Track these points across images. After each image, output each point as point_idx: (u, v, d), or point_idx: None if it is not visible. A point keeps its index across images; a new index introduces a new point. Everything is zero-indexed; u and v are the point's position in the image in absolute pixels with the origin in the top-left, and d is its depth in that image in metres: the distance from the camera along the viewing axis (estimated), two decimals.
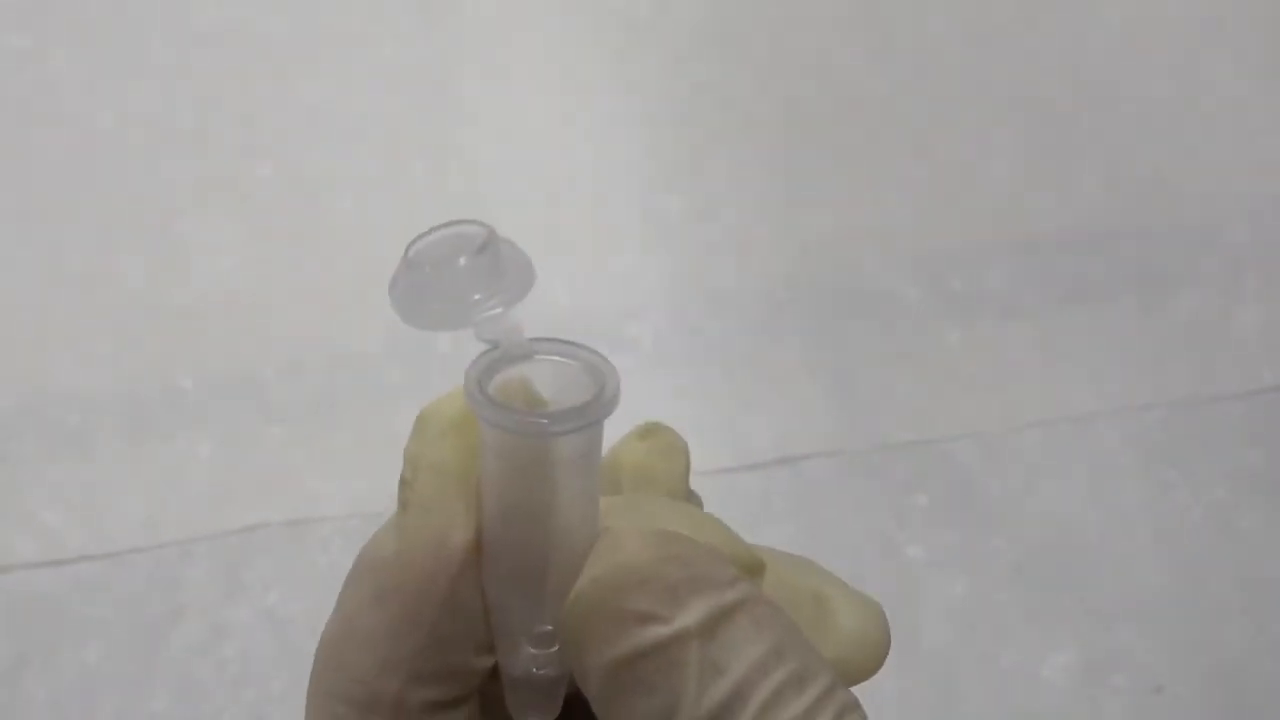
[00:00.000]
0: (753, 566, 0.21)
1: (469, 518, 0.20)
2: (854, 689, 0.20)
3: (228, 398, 0.45)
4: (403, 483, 0.21)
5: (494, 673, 0.21)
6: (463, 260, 0.19)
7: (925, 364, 0.46)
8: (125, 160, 0.51)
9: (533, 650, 0.20)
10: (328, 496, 0.43)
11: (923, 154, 0.51)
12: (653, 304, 0.47)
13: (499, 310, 0.19)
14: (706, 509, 0.23)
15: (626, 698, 0.19)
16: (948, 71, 0.53)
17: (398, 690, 0.20)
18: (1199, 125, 0.52)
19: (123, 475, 0.44)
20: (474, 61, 0.55)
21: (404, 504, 0.20)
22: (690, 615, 0.18)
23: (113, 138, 0.52)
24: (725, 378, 0.46)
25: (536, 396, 0.20)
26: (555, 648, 0.20)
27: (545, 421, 0.18)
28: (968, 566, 0.42)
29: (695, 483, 0.23)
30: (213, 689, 0.40)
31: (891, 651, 0.21)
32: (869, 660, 0.22)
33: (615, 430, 0.21)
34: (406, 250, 0.19)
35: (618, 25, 0.56)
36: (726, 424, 0.45)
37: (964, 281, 0.48)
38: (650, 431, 0.23)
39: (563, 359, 0.19)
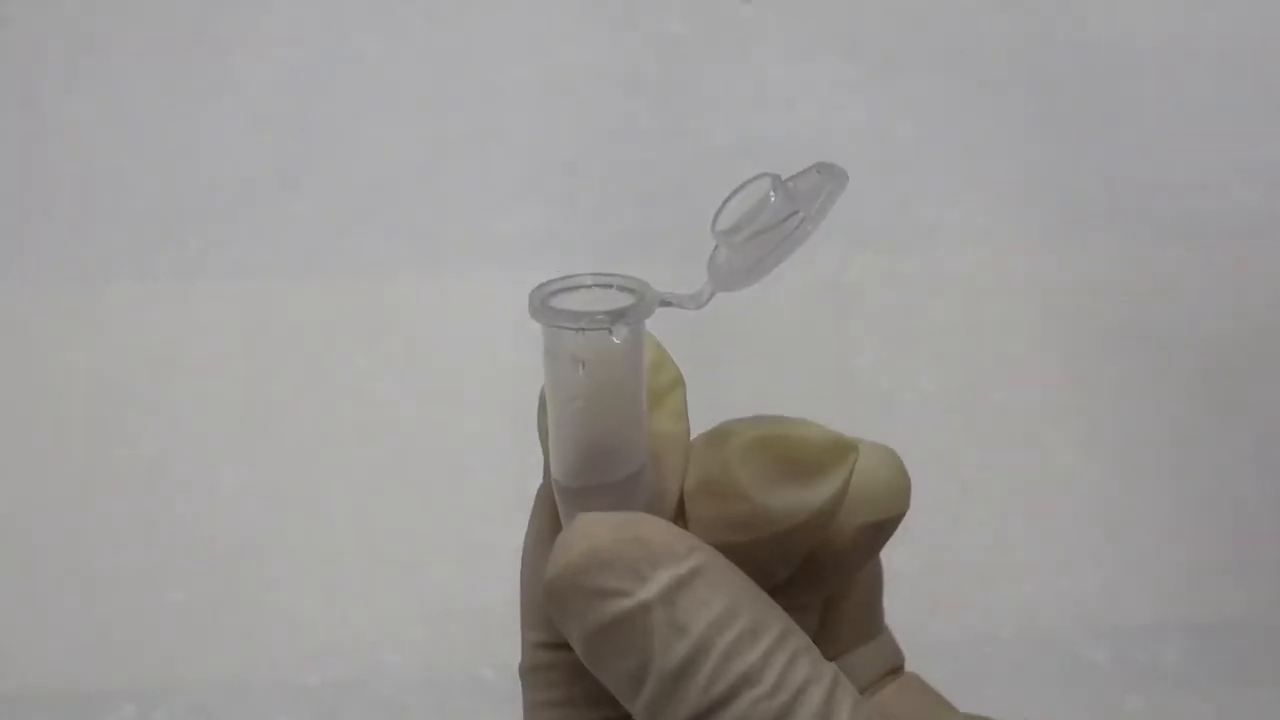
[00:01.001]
0: (844, 447, 0.24)
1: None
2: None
3: None
4: None
5: None
6: (772, 196, 0.22)
7: None
8: None
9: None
10: None
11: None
12: None
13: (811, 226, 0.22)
14: None
15: (607, 661, 0.22)
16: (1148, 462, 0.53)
17: (524, 625, 0.26)
18: None
19: None
20: None
21: None
22: (651, 588, 0.22)
23: None
24: None
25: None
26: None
27: (602, 317, 0.22)
28: None
29: None
30: None
31: None
32: (901, 502, 0.25)
33: None
34: (714, 226, 0.23)
35: None
36: None
37: (1145, 654, 0.48)
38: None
39: (603, 286, 0.23)
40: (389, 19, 0.63)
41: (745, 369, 0.53)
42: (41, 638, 0.47)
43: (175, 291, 0.55)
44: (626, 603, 0.22)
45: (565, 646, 0.25)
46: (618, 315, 0.22)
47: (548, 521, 0.26)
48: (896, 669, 0.29)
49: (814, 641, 0.23)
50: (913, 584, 0.49)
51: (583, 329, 0.22)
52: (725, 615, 0.22)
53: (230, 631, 0.47)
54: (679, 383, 0.25)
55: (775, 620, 0.22)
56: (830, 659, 0.23)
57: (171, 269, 0.55)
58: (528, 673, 0.26)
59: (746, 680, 0.21)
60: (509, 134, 0.60)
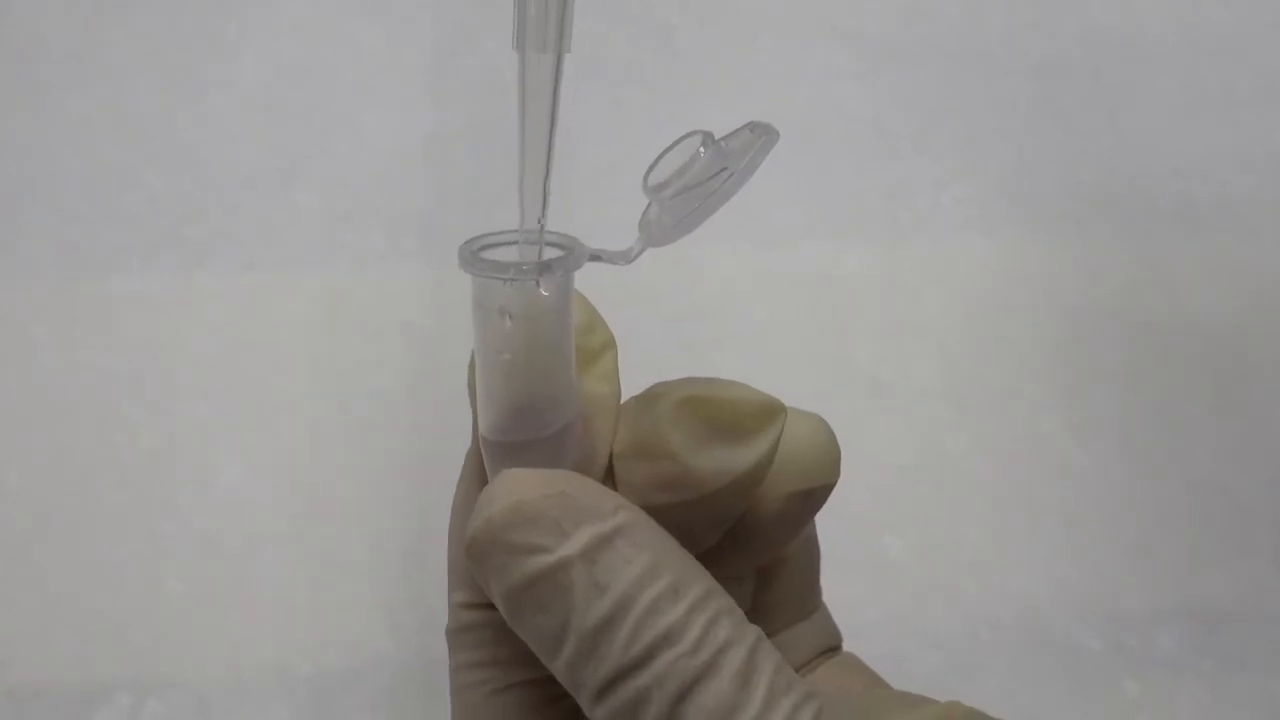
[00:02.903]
0: (773, 408, 0.24)
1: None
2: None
3: None
4: None
5: None
6: (701, 152, 0.22)
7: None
8: None
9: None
10: None
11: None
12: None
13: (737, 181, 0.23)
14: None
15: (527, 617, 0.22)
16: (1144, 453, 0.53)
17: (450, 586, 0.26)
18: None
19: None
20: None
21: None
22: (572, 544, 0.21)
23: None
24: None
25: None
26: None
27: (530, 267, 0.22)
28: None
29: None
30: None
31: None
32: (830, 471, 0.25)
33: None
34: (647, 182, 0.23)
35: None
36: None
37: (1140, 640, 0.48)
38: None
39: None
40: (390, 14, 0.63)
41: (738, 359, 0.53)
42: (38, 629, 0.47)
43: (177, 284, 0.55)
44: (547, 559, 0.21)
45: (490, 607, 0.25)
46: (545, 266, 0.22)
47: (475, 481, 0.26)
48: (833, 648, 0.29)
49: (748, 617, 0.23)
50: (907, 572, 0.49)
51: (510, 279, 0.22)
52: (646, 574, 0.21)
53: (226, 622, 0.47)
54: (610, 345, 0.25)
55: (698, 580, 0.22)
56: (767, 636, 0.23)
57: (173, 261, 0.55)
58: (453, 634, 0.26)
59: (667, 639, 0.21)
60: (507, 124, 0.60)
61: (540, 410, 0.23)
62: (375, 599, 0.47)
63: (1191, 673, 0.47)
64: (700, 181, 0.22)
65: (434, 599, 0.47)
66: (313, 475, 0.50)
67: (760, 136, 0.23)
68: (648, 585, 0.21)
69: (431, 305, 0.54)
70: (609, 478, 0.25)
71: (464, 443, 0.51)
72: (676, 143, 0.23)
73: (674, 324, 0.53)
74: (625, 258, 0.23)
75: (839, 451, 0.25)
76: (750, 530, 0.25)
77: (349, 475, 0.50)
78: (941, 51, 0.62)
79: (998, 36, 0.62)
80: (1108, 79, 0.61)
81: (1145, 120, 0.60)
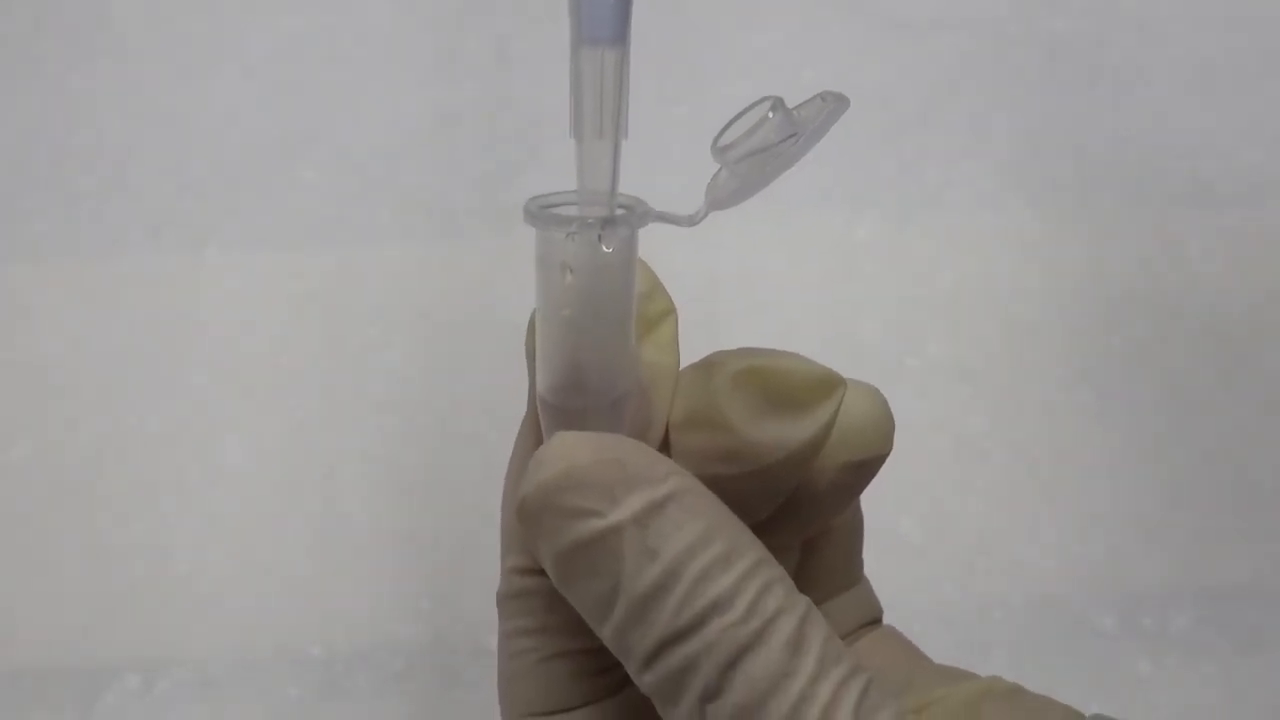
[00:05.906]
0: (832, 381, 0.24)
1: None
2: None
3: None
4: None
5: None
6: (770, 116, 0.22)
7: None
8: None
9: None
10: None
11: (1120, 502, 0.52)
12: None
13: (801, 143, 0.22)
14: None
15: (577, 581, 0.22)
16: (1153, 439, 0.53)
17: (503, 551, 0.26)
18: None
19: None
20: None
21: None
22: (624, 509, 0.21)
23: None
24: None
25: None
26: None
27: (593, 221, 0.22)
28: None
29: None
30: None
31: None
32: (885, 441, 0.25)
33: None
34: (715, 144, 0.22)
35: None
36: None
37: (1153, 620, 0.48)
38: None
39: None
40: None
41: (750, 334, 0.53)
42: (46, 609, 0.46)
43: (183, 262, 0.54)
44: (599, 523, 0.21)
45: (542, 573, 0.24)
46: (608, 221, 0.22)
47: (530, 446, 0.26)
48: (874, 620, 0.29)
49: None
50: (919, 550, 0.49)
51: (573, 233, 0.22)
52: (698, 541, 0.21)
53: (235, 602, 0.47)
54: (670, 313, 0.25)
55: (750, 548, 0.22)
56: None
57: (179, 239, 0.55)
58: (504, 599, 0.26)
59: (716, 607, 0.21)
60: (516, 101, 0.59)
61: (599, 372, 0.23)
62: (385, 580, 0.47)
63: (1205, 652, 0.47)
64: (767, 146, 0.22)
65: (444, 579, 0.47)
66: (321, 455, 0.50)
67: (830, 104, 0.22)
68: (699, 552, 0.21)
69: (440, 283, 0.54)
70: (665, 447, 0.25)
71: (471, 422, 0.51)
72: (748, 108, 0.23)
73: (684, 298, 0.53)
74: (690, 220, 0.23)
75: (893, 422, 0.25)
76: (802, 501, 0.25)
77: (357, 455, 0.49)
78: (952, 26, 0.62)
79: (1008, 10, 0.62)
80: (1118, 53, 0.61)
81: (1157, 96, 0.60)
